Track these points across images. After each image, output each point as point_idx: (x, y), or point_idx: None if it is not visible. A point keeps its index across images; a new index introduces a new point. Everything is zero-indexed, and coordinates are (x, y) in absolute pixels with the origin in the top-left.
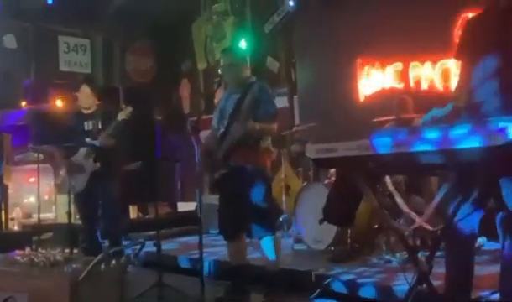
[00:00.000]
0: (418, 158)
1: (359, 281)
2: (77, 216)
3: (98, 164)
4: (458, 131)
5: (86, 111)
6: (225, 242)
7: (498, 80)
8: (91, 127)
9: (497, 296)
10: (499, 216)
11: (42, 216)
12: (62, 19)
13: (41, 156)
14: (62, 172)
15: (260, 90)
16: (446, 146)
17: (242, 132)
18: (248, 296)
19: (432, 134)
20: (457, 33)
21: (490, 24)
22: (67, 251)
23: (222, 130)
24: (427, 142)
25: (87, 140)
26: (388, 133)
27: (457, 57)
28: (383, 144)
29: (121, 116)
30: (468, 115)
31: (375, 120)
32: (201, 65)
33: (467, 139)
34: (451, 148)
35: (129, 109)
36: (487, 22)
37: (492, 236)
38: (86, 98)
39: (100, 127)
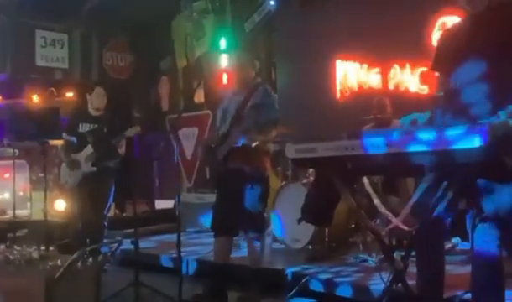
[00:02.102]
0: (411, 159)
1: (336, 280)
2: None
3: (94, 169)
4: (453, 132)
5: (94, 113)
6: (205, 240)
7: (489, 83)
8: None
9: (470, 296)
10: (469, 216)
11: (17, 212)
12: (39, 13)
13: (16, 151)
14: (63, 165)
15: (264, 94)
16: (441, 146)
17: (241, 141)
18: (225, 294)
19: (427, 135)
20: (434, 36)
21: (472, 30)
22: (43, 248)
23: (223, 131)
24: (422, 142)
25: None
26: (381, 133)
27: (433, 69)
28: (374, 145)
29: (129, 133)
30: (455, 116)
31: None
32: (181, 63)
33: (462, 140)
34: (445, 149)
35: (137, 128)
36: (468, 27)
37: (465, 237)
38: (97, 97)
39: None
